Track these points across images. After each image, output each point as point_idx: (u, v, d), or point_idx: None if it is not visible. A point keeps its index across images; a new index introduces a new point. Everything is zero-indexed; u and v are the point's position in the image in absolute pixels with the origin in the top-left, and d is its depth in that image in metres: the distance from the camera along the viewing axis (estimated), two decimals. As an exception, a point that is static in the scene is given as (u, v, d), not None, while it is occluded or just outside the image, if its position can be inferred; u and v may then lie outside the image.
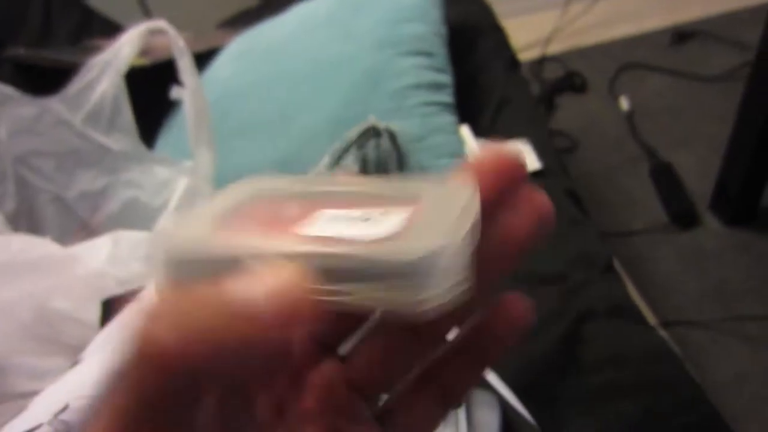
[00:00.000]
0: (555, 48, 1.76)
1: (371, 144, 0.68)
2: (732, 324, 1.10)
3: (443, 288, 0.16)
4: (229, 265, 0.16)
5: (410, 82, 0.79)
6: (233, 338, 0.14)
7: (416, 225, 0.17)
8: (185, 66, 0.69)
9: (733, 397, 1.02)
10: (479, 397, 0.48)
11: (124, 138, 0.78)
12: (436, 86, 0.81)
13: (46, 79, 0.81)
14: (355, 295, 0.16)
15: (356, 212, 0.18)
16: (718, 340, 1.10)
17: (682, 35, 1.69)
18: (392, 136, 0.69)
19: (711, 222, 1.29)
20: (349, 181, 0.20)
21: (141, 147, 0.79)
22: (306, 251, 0.16)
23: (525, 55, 1.70)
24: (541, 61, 1.74)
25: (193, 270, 0.18)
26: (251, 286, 0.14)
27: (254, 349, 0.14)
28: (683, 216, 1.29)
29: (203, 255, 0.18)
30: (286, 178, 0.21)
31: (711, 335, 1.10)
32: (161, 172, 0.78)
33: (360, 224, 0.17)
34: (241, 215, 0.20)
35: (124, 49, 0.74)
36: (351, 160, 0.66)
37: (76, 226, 0.79)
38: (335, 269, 0.16)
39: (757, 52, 1.09)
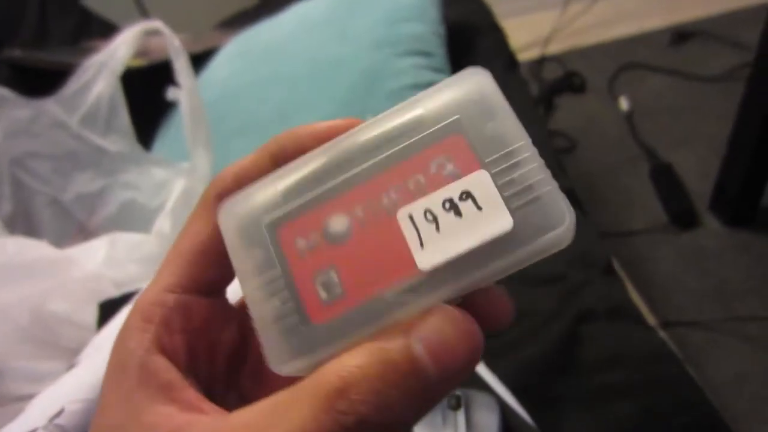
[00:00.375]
0: (554, 48, 1.76)
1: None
2: (732, 324, 1.10)
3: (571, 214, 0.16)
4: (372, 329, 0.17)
5: (408, 82, 0.79)
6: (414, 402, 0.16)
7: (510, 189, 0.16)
8: (181, 66, 0.69)
9: (733, 398, 1.01)
10: (478, 398, 0.47)
11: (120, 139, 0.78)
12: (435, 86, 0.80)
13: (42, 81, 0.81)
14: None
15: (432, 200, 0.16)
16: (718, 341, 1.09)
17: (681, 35, 1.69)
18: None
19: (711, 222, 1.28)
20: (345, 147, 0.18)
21: (138, 148, 0.79)
22: (454, 293, 0.16)
23: (524, 55, 1.69)
24: (541, 61, 1.73)
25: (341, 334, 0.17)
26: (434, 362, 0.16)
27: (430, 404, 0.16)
28: (683, 216, 1.29)
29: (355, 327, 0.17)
30: (280, 176, 0.19)
31: (711, 336, 1.10)
32: (158, 173, 0.78)
33: (456, 221, 0.16)
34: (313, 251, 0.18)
35: (120, 50, 0.74)
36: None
37: (74, 229, 0.79)
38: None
39: (757, 52, 1.09)
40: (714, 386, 1.02)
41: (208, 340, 0.21)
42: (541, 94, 1.65)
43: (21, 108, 0.73)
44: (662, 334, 1.05)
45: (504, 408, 0.48)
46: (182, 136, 0.72)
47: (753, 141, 1.14)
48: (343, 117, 0.21)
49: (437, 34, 0.87)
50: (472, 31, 0.99)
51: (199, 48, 1.03)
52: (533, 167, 0.16)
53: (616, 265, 0.74)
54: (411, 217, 0.17)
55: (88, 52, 0.79)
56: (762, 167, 1.18)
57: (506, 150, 0.17)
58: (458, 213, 0.16)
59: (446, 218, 0.16)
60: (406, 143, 0.17)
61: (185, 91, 0.69)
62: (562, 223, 0.16)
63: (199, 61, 0.97)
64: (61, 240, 0.74)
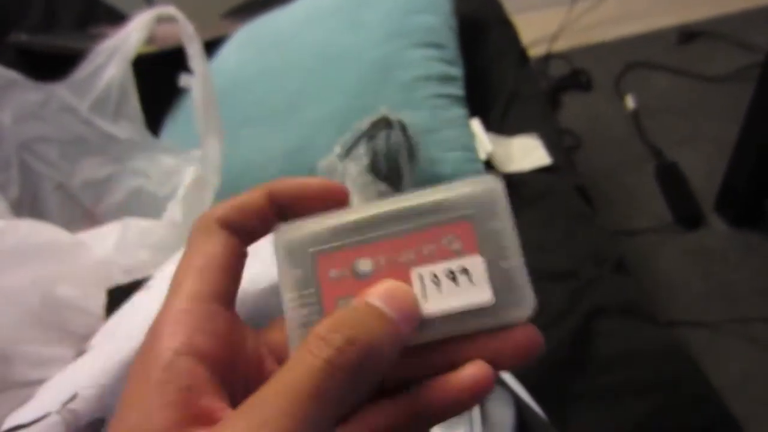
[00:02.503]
0: (561, 45, 1.75)
1: (382, 135, 0.67)
2: (736, 325, 1.10)
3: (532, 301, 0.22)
4: None
5: (420, 74, 0.78)
6: None
7: (496, 274, 0.22)
8: (194, 52, 0.68)
9: (738, 399, 1.01)
10: (493, 393, 0.47)
11: (130, 126, 0.77)
12: (447, 79, 0.80)
13: (49, 66, 0.80)
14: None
15: (438, 268, 0.22)
16: (722, 341, 1.09)
17: (689, 35, 1.68)
18: (403, 128, 0.68)
19: (716, 223, 1.28)
20: (381, 211, 0.23)
21: (147, 135, 0.78)
22: (435, 338, 0.22)
23: (531, 52, 1.68)
24: (547, 59, 1.73)
25: None
26: None
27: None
28: (688, 216, 1.29)
29: None
30: (320, 222, 0.24)
31: (715, 336, 1.10)
32: (167, 161, 0.77)
33: (452, 287, 0.22)
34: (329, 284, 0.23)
35: (132, 36, 0.73)
36: (362, 151, 0.65)
37: (80, 215, 0.78)
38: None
39: (767, 53, 1.08)
40: (718, 387, 1.02)
41: (231, 350, 0.23)
42: (548, 91, 1.65)
43: (30, 91, 0.72)
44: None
45: (519, 402, 0.48)
46: (191, 124, 0.71)
47: (761, 141, 1.14)
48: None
49: (450, 27, 0.86)
50: (484, 25, 0.99)
51: (206, 37, 1.01)
52: (516, 266, 0.22)
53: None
54: (421, 276, 0.22)
55: (95, 37, 0.78)
56: (768, 168, 1.18)
57: (500, 247, 0.22)
58: (456, 281, 0.22)
59: (446, 283, 0.22)
60: (429, 219, 0.23)
61: (198, 77, 0.68)
62: (527, 308, 0.22)
63: (207, 50, 0.96)
64: (67, 226, 0.73)
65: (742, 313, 1.11)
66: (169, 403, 0.20)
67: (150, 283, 0.61)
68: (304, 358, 0.20)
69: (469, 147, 0.75)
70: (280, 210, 0.25)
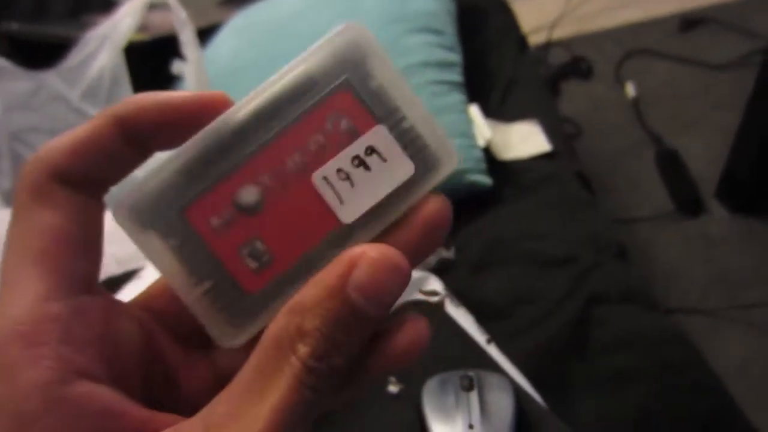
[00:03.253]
0: (561, 33, 1.73)
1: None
2: (736, 311, 1.09)
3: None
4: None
5: (419, 60, 0.77)
6: None
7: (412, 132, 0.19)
8: (187, 39, 0.67)
9: (738, 384, 1.00)
10: (491, 379, 0.46)
11: (123, 115, 0.76)
12: (446, 65, 0.78)
13: (40, 55, 0.79)
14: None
15: (341, 160, 0.18)
16: (722, 328, 1.09)
17: (690, 22, 1.67)
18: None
19: (717, 209, 1.27)
20: (236, 118, 0.18)
21: (141, 124, 0.77)
22: (374, 235, 0.19)
23: (531, 40, 1.67)
24: (547, 46, 1.71)
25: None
26: None
27: None
28: (689, 203, 1.28)
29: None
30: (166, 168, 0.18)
31: (715, 322, 1.09)
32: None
33: (367, 175, 0.18)
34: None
35: (123, 23, 0.72)
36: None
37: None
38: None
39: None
40: (718, 372, 1.02)
41: (113, 343, 0.18)
42: (548, 79, 1.63)
43: (20, 80, 0.71)
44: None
45: (518, 390, 0.47)
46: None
47: (763, 129, 1.12)
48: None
49: (448, 12, 0.85)
50: (482, 11, 0.97)
51: (201, 24, 1.00)
52: (417, 115, 0.19)
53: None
54: (326, 178, 0.18)
55: (88, 26, 0.77)
56: (770, 155, 1.17)
57: (393, 106, 0.18)
58: (367, 167, 0.18)
59: (358, 174, 0.18)
60: (296, 105, 0.18)
61: (191, 64, 0.67)
62: (453, 160, 0.19)
63: (202, 37, 0.95)
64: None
65: (743, 299, 1.11)
66: None
67: (142, 273, 0.60)
68: (291, 384, 0.16)
69: (468, 133, 0.74)
70: (137, 140, 0.18)
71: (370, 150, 0.18)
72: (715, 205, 1.28)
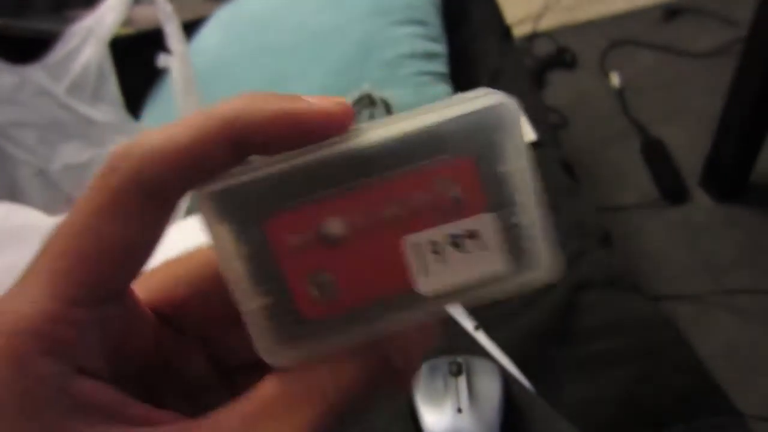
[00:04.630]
0: (546, 24, 1.74)
1: (365, 113, 0.67)
2: (721, 297, 1.11)
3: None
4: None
5: (403, 51, 0.77)
6: None
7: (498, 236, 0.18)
8: (172, 32, 0.67)
9: (723, 369, 1.02)
10: (479, 364, 0.47)
11: (109, 109, 0.76)
12: (430, 55, 0.79)
13: (23, 51, 0.79)
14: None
15: (438, 233, 0.17)
16: (707, 313, 1.10)
17: (673, 11, 1.68)
18: (387, 106, 0.68)
19: (701, 197, 1.29)
20: (350, 147, 0.17)
21: (127, 118, 0.77)
22: (442, 313, 0.18)
23: (516, 31, 1.67)
24: (532, 38, 1.72)
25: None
26: None
27: None
28: (673, 191, 1.30)
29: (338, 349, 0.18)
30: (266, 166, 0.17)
31: (701, 308, 1.11)
32: (148, 144, 0.76)
33: (457, 256, 0.18)
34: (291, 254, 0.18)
35: (108, 16, 0.72)
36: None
37: (62, 201, 0.77)
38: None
39: (750, 27, 1.09)
40: (704, 358, 1.03)
41: (125, 350, 0.18)
42: (533, 69, 1.64)
43: (4, 74, 0.71)
44: (653, 307, 1.06)
45: (505, 375, 0.48)
46: (172, 106, 0.70)
47: (744, 116, 1.14)
48: (332, 95, 0.18)
49: (432, 3, 0.85)
50: (466, 2, 0.98)
51: (185, 17, 1.00)
52: (533, 216, 0.18)
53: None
54: (418, 245, 0.17)
55: (71, 20, 0.76)
56: (752, 142, 1.19)
57: (512, 198, 0.17)
58: (461, 249, 0.17)
59: (450, 252, 0.17)
60: (416, 156, 0.17)
61: (176, 57, 0.67)
62: (548, 270, 0.18)
63: (189, 31, 0.95)
64: (49, 211, 0.72)
65: (727, 285, 1.13)
66: (99, 424, 0.16)
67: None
68: (319, 413, 0.17)
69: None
70: (245, 153, 0.17)
71: (471, 234, 0.17)
72: (699, 192, 1.30)
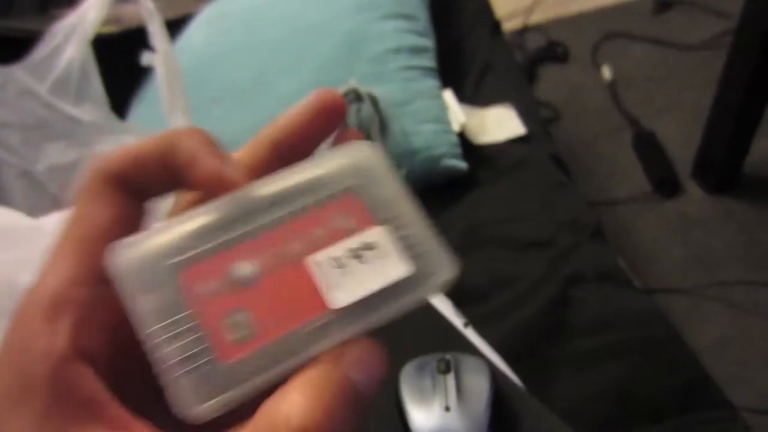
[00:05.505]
0: (537, 17, 1.74)
1: (353, 109, 0.66)
2: (715, 290, 1.11)
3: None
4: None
5: (391, 46, 0.76)
6: None
7: (408, 241, 0.20)
8: (155, 29, 0.66)
9: (717, 362, 1.02)
10: (468, 362, 0.46)
11: (94, 108, 0.75)
12: (418, 50, 0.78)
13: (7, 50, 0.77)
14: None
15: (337, 250, 0.19)
16: (701, 306, 1.10)
17: (664, 4, 1.68)
18: (374, 101, 0.67)
19: (694, 190, 1.29)
20: (250, 198, 0.20)
21: (112, 118, 0.76)
22: (362, 329, 0.18)
23: (507, 25, 1.67)
24: (523, 31, 1.71)
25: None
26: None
27: None
28: (666, 184, 1.29)
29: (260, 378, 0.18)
30: (173, 233, 0.19)
31: (695, 301, 1.11)
32: (134, 143, 0.75)
33: (361, 267, 0.19)
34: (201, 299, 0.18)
35: (89, 14, 0.71)
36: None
37: (48, 203, 0.76)
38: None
39: (739, 19, 1.08)
40: (698, 351, 1.03)
41: (126, 332, 0.19)
42: (525, 63, 1.64)
43: (-14, 75, 0.70)
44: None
45: (495, 372, 0.48)
46: (159, 104, 0.69)
47: (735, 109, 1.14)
48: (321, 90, 0.22)
49: (420, -3, 0.85)
50: (455, -4, 0.97)
51: (173, 14, 0.99)
52: (418, 226, 0.20)
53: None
54: (319, 264, 0.19)
55: (56, 19, 0.75)
56: (743, 134, 1.19)
57: (395, 214, 0.20)
58: (362, 261, 0.19)
59: (352, 264, 0.19)
60: (309, 199, 0.20)
61: (160, 55, 0.66)
62: (450, 269, 0.19)
63: (174, 28, 0.94)
64: (34, 214, 0.71)
65: (721, 277, 1.12)
66: (75, 420, 0.17)
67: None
68: None
69: (442, 119, 0.73)
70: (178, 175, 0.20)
71: (368, 246, 0.19)
72: (691, 185, 1.30)
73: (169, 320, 0.18)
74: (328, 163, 0.20)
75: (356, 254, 0.19)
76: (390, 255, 0.19)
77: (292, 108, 0.21)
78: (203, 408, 0.17)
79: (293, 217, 0.19)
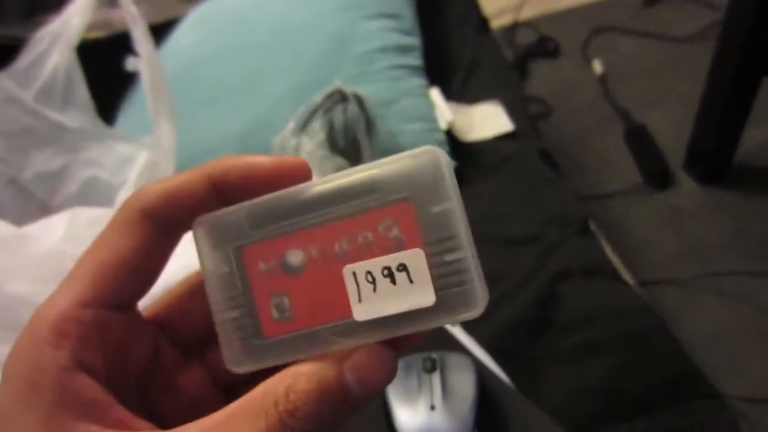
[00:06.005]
0: (527, 13, 1.74)
1: (338, 109, 0.66)
2: (708, 280, 1.11)
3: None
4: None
5: (376, 46, 0.76)
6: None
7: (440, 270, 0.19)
8: (139, 35, 0.66)
9: (711, 353, 1.03)
10: (454, 360, 0.46)
11: (80, 115, 0.75)
12: (404, 49, 0.78)
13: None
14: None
15: (374, 265, 0.20)
16: (694, 297, 1.10)
17: (653, -4, 1.68)
18: (360, 101, 0.67)
19: (685, 181, 1.29)
20: (311, 192, 0.21)
21: (99, 124, 0.76)
22: (376, 341, 0.20)
23: (497, 22, 1.67)
24: (514, 27, 1.71)
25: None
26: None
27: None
28: (658, 176, 1.30)
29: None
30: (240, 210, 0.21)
31: (688, 292, 1.11)
32: (122, 149, 0.75)
33: (390, 288, 0.19)
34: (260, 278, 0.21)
35: (73, 20, 0.70)
36: (318, 126, 0.64)
37: (35, 209, 0.76)
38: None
39: (726, 11, 1.08)
40: (692, 342, 1.04)
41: (122, 355, 0.21)
42: (516, 59, 1.64)
43: (-30, 83, 0.70)
44: (640, 293, 1.06)
45: (481, 368, 0.48)
46: (145, 110, 0.69)
47: (724, 100, 1.14)
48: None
49: (405, -4, 0.85)
50: (441, -7, 0.97)
51: (160, 18, 0.99)
52: (464, 257, 0.19)
53: (593, 226, 0.74)
54: (354, 274, 0.20)
55: (41, 26, 0.75)
56: (733, 125, 1.19)
57: (446, 235, 0.19)
58: (393, 281, 0.19)
59: (383, 283, 0.19)
60: (364, 200, 0.20)
61: (145, 60, 0.66)
62: (475, 307, 0.19)
63: (161, 32, 0.94)
64: (22, 221, 0.71)
65: (714, 268, 1.13)
66: (78, 419, 0.18)
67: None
68: (256, 427, 0.18)
69: (429, 117, 0.73)
70: (224, 195, 0.21)
71: (402, 267, 0.19)
72: (683, 177, 1.30)
73: (230, 290, 0.21)
74: (393, 164, 0.20)
75: (390, 273, 0.19)
76: (420, 282, 0.19)
77: (246, 158, 0.22)
78: (244, 366, 0.21)
79: (347, 216, 0.20)
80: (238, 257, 0.21)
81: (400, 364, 0.47)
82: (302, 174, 0.21)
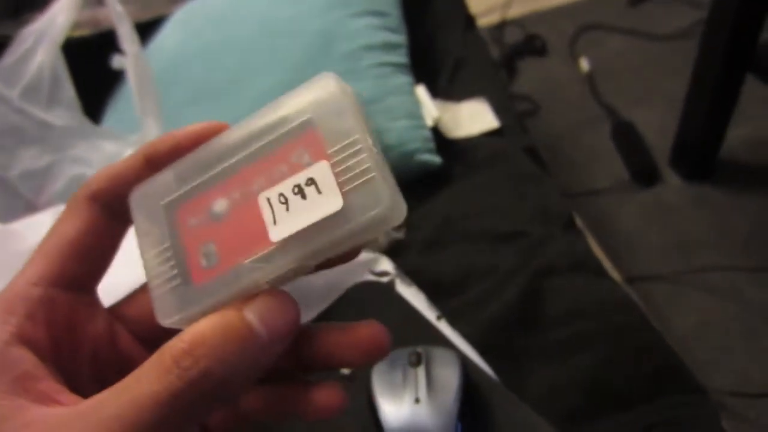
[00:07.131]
0: (515, 12, 1.75)
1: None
2: (694, 276, 1.13)
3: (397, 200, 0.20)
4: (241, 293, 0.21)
5: (362, 43, 0.77)
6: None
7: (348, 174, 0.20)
8: (125, 32, 0.66)
9: (697, 346, 1.04)
10: (439, 354, 0.47)
11: (66, 113, 0.74)
12: (390, 46, 0.78)
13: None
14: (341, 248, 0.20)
15: (285, 186, 0.20)
16: (681, 292, 1.12)
17: (639, -6, 1.69)
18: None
19: (671, 178, 1.30)
20: (227, 142, 0.22)
21: (85, 122, 0.76)
22: (298, 261, 0.20)
23: (485, 20, 1.68)
24: (501, 26, 1.72)
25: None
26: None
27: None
28: (644, 173, 1.31)
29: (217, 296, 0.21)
30: (163, 176, 0.23)
31: (674, 288, 1.12)
32: (108, 147, 0.75)
33: (301, 203, 0.20)
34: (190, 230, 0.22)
35: (59, 18, 0.70)
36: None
37: (22, 207, 0.76)
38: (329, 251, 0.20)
39: (710, 8, 1.10)
40: (678, 337, 1.05)
41: (72, 333, 0.23)
42: (503, 58, 1.65)
43: (-45, 82, 0.69)
44: (627, 289, 1.07)
45: (466, 363, 0.48)
46: (133, 108, 0.69)
47: (708, 96, 1.15)
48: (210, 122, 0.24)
49: (392, -6, 0.85)
50: (427, -9, 0.97)
51: (147, 17, 0.99)
52: (364, 156, 0.19)
53: (580, 223, 0.75)
54: (268, 200, 0.20)
55: (27, 23, 0.75)
56: (718, 122, 1.20)
57: (347, 142, 0.20)
58: (304, 196, 0.20)
59: (294, 201, 0.20)
60: (272, 138, 0.21)
61: (130, 57, 0.66)
62: (381, 204, 0.19)
63: (148, 30, 0.94)
64: (8, 218, 0.71)
65: (699, 263, 1.14)
66: (6, 390, 0.19)
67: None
68: (153, 378, 0.19)
69: (415, 114, 0.74)
70: (160, 169, 0.23)
71: (311, 181, 0.20)
72: (669, 173, 1.31)
73: (161, 247, 0.22)
74: (292, 95, 0.21)
75: (300, 190, 0.20)
76: (327, 190, 0.20)
77: (172, 132, 0.23)
78: (173, 318, 0.21)
79: (262, 156, 0.21)
80: (171, 217, 0.22)
81: (386, 358, 0.47)
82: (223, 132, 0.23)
